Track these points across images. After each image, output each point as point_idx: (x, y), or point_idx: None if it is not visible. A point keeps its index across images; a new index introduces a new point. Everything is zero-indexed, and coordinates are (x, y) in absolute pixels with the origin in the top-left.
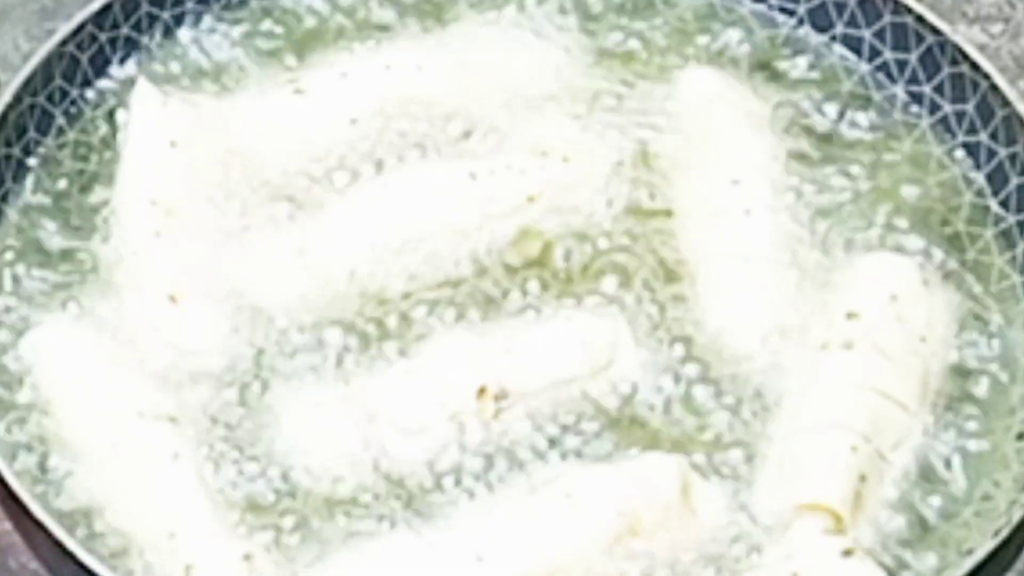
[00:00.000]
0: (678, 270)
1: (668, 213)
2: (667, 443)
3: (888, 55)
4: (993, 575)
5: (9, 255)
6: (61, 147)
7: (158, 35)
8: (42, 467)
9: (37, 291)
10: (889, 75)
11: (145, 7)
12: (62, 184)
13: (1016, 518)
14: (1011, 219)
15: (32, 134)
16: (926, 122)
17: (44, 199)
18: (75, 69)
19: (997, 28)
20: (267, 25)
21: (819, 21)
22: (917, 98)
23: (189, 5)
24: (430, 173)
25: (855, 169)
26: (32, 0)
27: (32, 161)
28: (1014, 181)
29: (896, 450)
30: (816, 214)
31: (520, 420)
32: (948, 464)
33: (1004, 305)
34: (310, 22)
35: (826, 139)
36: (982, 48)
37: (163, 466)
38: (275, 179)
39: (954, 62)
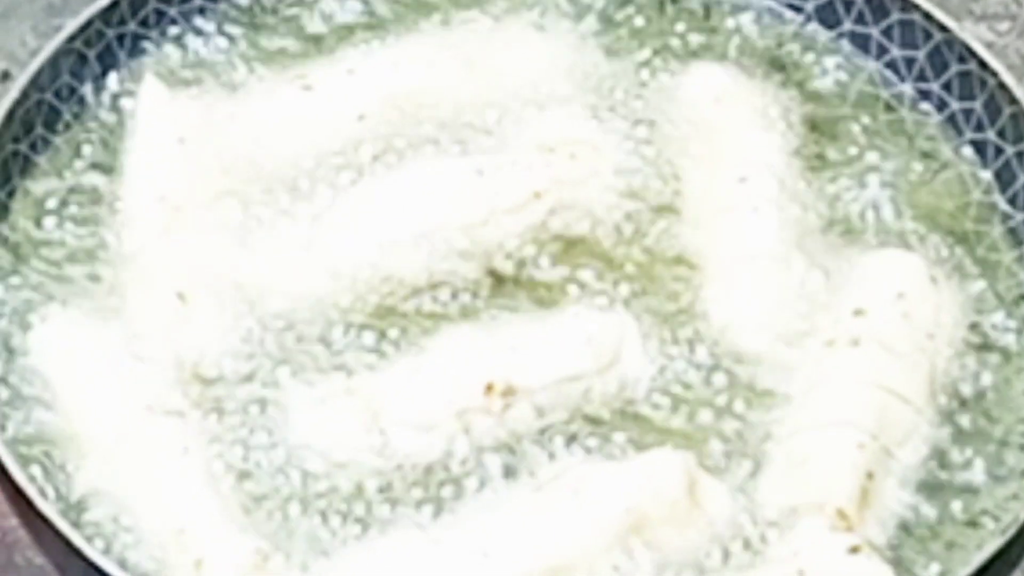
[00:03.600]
0: (685, 267)
1: (675, 210)
2: (673, 440)
3: (896, 52)
4: (1001, 573)
5: (17, 251)
6: (69, 143)
7: (166, 31)
8: (49, 462)
9: (45, 286)
10: (897, 72)
11: (153, 3)
12: (70, 180)
13: (1020, 519)
14: (1019, 217)
15: (40, 130)
16: (934, 120)
17: (52, 195)
18: (83, 65)
19: (1004, 26)
20: (275, 21)
21: (827, 18)
22: (925, 95)
23: (197, 1)
24: (437, 169)
25: (862, 166)
26: None
27: (40, 157)
28: (1022, 179)
29: (903, 447)
30: (823, 211)
31: (526, 416)
32: (955, 461)
33: (1012, 302)
34: (318, 18)
35: (833, 136)
36: (990, 46)
37: (172, 461)
38: (283, 175)
39: (962, 60)
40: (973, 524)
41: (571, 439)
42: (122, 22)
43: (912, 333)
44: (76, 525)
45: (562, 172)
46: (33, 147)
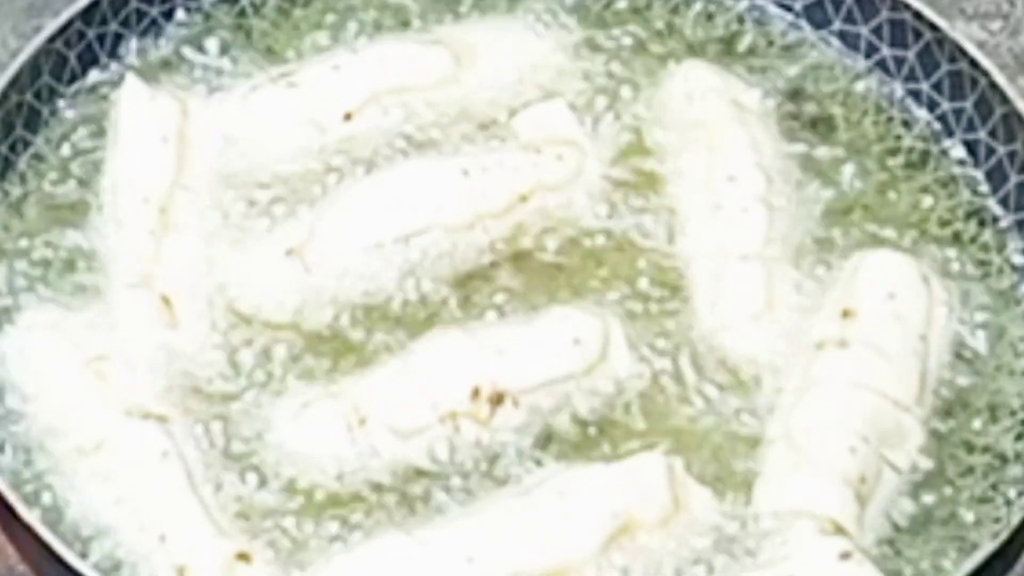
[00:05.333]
0: (673, 268)
1: (663, 210)
2: (661, 443)
3: (886, 52)
4: None
5: None
6: (49, 144)
7: (147, 31)
8: (28, 467)
9: (26, 288)
10: (887, 72)
11: (133, 3)
12: (52, 182)
13: (1015, 520)
14: (1010, 217)
15: (20, 131)
16: (924, 119)
17: (33, 197)
18: (63, 66)
19: (996, 25)
20: (258, 19)
21: (816, 17)
22: (915, 95)
23: (178, 0)
24: (423, 170)
25: (852, 166)
26: None
27: (21, 159)
28: (1013, 179)
29: (895, 449)
30: (813, 211)
31: (513, 419)
32: (947, 464)
33: (1002, 303)
34: (302, 15)
35: (822, 135)
36: (981, 45)
37: (152, 465)
38: (267, 174)
39: (952, 59)
40: (966, 528)
41: (557, 442)
42: (103, 22)
43: (903, 334)
44: (57, 532)
45: (548, 173)
46: (13, 149)
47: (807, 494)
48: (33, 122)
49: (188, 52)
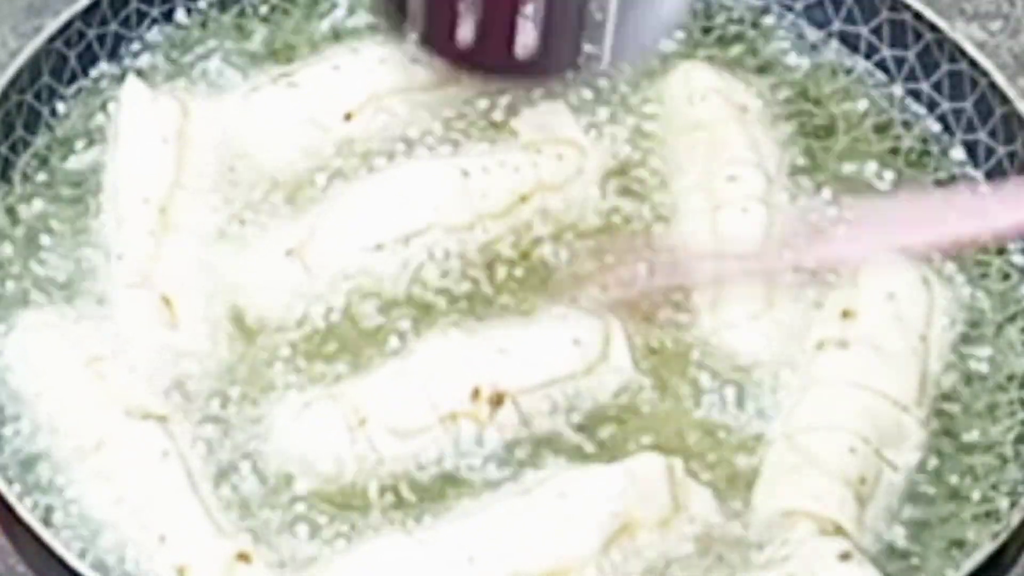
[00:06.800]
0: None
1: (664, 210)
2: (661, 443)
3: (886, 52)
4: None
5: None
6: (49, 145)
7: (147, 31)
8: (29, 467)
9: (26, 288)
10: (887, 72)
11: (134, 3)
12: (51, 182)
13: (1015, 521)
14: None
15: (20, 132)
16: (924, 119)
17: (33, 197)
18: (63, 66)
19: (996, 25)
20: (259, 19)
21: (816, 17)
22: (915, 95)
23: (179, 0)
24: (423, 170)
25: (851, 166)
26: None
27: (20, 159)
28: (1013, 179)
29: (895, 450)
30: (813, 210)
31: (513, 420)
32: (947, 465)
33: (1002, 304)
34: (303, 16)
35: (822, 135)
36: (981, 45)
37: (152, 465)
38: (268, 174)
39: (952, 59)
40: (965, 529)
41: (557, 442)
42: (103, 22)
43: (903, 334)
44: (57, 532)
45: (549, 173)
46: (13, 149)
47: (807, 494)
48: (33, 122)
49: (188, 52)
